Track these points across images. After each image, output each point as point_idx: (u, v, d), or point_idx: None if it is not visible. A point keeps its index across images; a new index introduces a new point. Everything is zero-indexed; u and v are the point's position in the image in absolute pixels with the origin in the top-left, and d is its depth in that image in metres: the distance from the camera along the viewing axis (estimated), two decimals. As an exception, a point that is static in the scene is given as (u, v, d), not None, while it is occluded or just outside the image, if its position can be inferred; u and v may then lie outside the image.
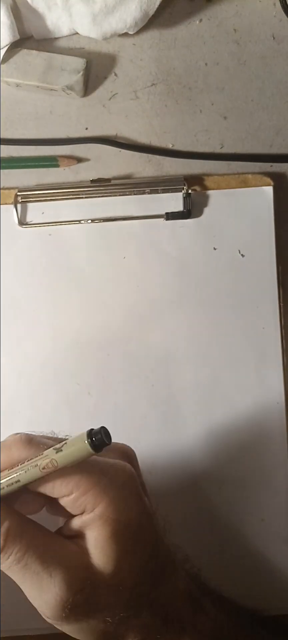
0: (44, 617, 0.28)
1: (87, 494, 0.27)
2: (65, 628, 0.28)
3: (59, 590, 0.26)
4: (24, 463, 0.27)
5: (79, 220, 0.39)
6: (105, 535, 0.27)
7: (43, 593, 0.26)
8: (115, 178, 0.40)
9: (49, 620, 0.28)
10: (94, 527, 0.27)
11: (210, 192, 0.40)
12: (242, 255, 0.39)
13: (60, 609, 0.26)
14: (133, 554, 0.27)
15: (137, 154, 0.40)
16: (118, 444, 0.31)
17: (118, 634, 0.28)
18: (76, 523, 0.28)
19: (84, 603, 0.26)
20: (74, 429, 0.39)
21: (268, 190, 0.39)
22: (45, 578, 0.26)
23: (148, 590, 0.28)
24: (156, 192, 0.39)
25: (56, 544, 0.27)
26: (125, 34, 0.39)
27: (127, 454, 0.31)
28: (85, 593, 0.26)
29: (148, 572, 0.28)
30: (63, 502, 0.27)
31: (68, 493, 0.27)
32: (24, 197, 0.39)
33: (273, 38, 0.40)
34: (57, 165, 0.40)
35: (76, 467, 0.27)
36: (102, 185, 0.39)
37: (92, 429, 0.26)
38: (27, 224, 0.40)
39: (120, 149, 0.40)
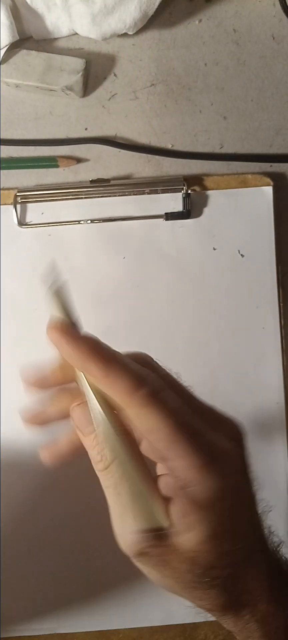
0: (120, 546, 0.28)
1: (192, 469, 0.25)
2: (139, 564, 0.28)
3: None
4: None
5: (79, 221, 0.39)
6: (199, 517, 0.26)
7: (127, 524, 0.27)
8: (114, 178, 0.40)
9: (124, 550, 0.28)
10: (190, 503, 0.26)
11: (209, 192, 0.40)
12: (242, 255, 0.39)
13: (138, 546, 0.27)
14: (220, 540, 0.27)
15: (136, 154, 0.40)
16: (228, 420, 0.30)
17: (185, 591, 0.29)
18: (170, 485, 0.27)
19: (156, 555, 0.27)
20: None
21: (268, 190, 0.39)
22: (136, 510, 0.26)
23: (224, 572, 0.28)
24: (156, 192, 0.39)
25: (151, 484, 0.27)
26: (125, 35, 0.39)
27: (235, 432, 0.30)
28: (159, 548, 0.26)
29: (230, 557, 0.28)
30: (168, 464, 0.27)
31: (174, 459, 0.26)
32: (23, 197, 0.39)
33: (273, 38, 0.40)
34: (56, 166, 0.40)
35: (192, 441, 0.26)
36: (101, 186, 0.39)
37: None
38: (26, 224, 0.40)
39: (119, 149, 0.40)
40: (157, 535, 0.26)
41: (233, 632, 0.30)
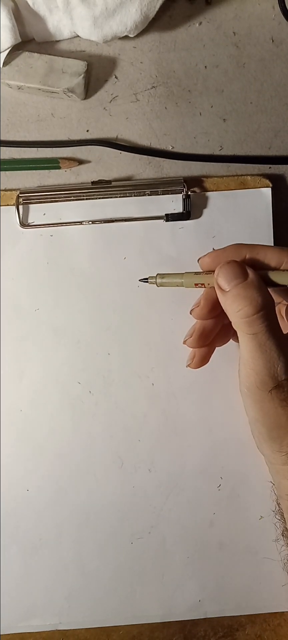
0: (245, 387, 0.31)
1: None
2: (265, 405, 0.31)
3: (276, 365, 0.30)
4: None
5: (80, 222, 0.40)
6: None
7: (260, 361, 0.30)
8: (115, 180, 0.40)
9: (246, 392, 0.31)
10: None
11: (209, 193, 0.40)
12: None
13: (269, 381, 0.30)
14: None
15: (137, 156, 0.40)
16: None
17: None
18: None
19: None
20: (75, 427, 0.40)
21: (267, 191, 0.40)
22: (270, 352, 0.30)
23: None
24: (156, 193, 0.40)
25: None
26: (126, 37, 0.39)
27: None
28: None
29: None
30: None
31: None
32: (25, 198, 0.40)
33: (272, 41, 0.40)
34: (58, 167, 0.40)
35: None
36: (102, 187, 0.40)
37: None
38: (28, 225, 0.40)
39: (120, 151, 0.40)
40: None
41: None
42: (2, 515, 0.40)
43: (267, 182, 0.40)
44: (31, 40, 0.40)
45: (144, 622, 0.40)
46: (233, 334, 0.37)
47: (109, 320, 0.40)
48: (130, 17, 0.38)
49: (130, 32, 0.38)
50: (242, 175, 0.40)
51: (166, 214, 0.40)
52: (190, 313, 0.35)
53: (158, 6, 0.38)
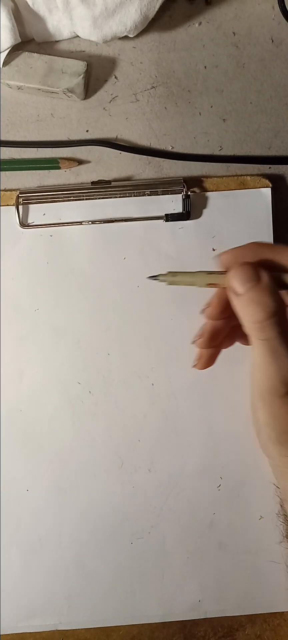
0: (257, 390, 0.32)
1: None
2: (276, 410, 0.31)
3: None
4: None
5: (80, 222, 0.40)
6: None
7: (272, 367, 0.30)
8: (115, 180, 0.40)
9: (258, 396, 0.31)
10: None
11: (209, 193, 0.40)
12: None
13: (280, 387, 0.30)
14: None
15: (137, 156, 0.40)
16: None
17: None
18: None
19: None
20: (74, 427, 0.40)
21: (267, 192, 0.40)
22: (282, 358, 0.30)
23: None
24: (156, 193, 0.40)
25: None
26: (126, 37, 0.39)
27: None
28: None
29: None
30: None
31: None
32: (25, 198, 0.40)
33: (272, 41, 0.40)
34: (58, 167, 0.40)
35: None
36: (102, 187, 0.40)
37: None
38: (28, 225, 0.40)
39: (120, 151, 0.40)
40: None
41: None
42: (2, 515, 0.40)
43: (267, 182, 0.40)
44: (31, 40, 0.40)
45: (144, 622, 0.40)
46: (240, 337, 0.37)
47: (109, 320, 0.40)
48: (129, 17, 0.38)
49: (129, 32, 0.38)
50: (241, 175, 0.40)
51: (166, 214, 0.40)
52: (202, 313, 0.34)
53: (158, 6, 0.38)
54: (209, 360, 0.36)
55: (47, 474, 0.40)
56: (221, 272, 0.33)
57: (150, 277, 0.35)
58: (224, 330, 0.35)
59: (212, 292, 0.34)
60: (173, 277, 0.34)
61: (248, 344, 0.37)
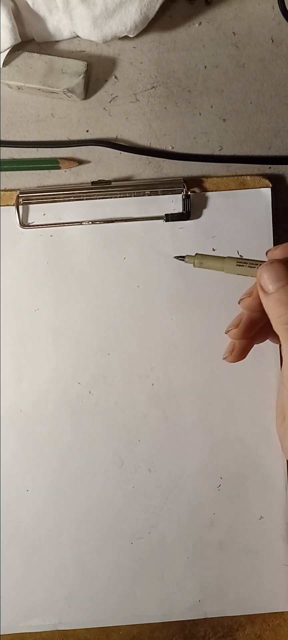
0: (286, 388, 0.32)
1: None
2: None
3: None
4: None
5: (80, 222, 0.40)
6: None
7: None
8: (115, 180, 0.40)
9: (287, 394, 0.31)
10: None
11: (209, 193, 0.40)
12: (241, 256, 0.40)
13: None
14: None
15: (137, 156, 0.40)
16: None
17: None
18: None
19: None
20: (74, 427, 0.40)
21: (267, 192, 0.40)
22: None
23: None
24: (156, 193, 0.40)
25: None
26: (126, 37, 0.39)
27: None
28: None
29: None
30: None
31: None
32: (25, 198, 0.40)
33: (272, 41, 0.40)
34: (58, 167, 0.40)
35: None
36: (102, 187, 0.40)
37: None
38: (28, 225, 0.40)
39: (120, 151, 0.40)
40: None
41: None
42: (2, 515, 0.40)
43: (267, 182, 0.40)
44: (31, 40, 0.40)
45: (144, 622, 0.40)
46: (273, 334, 0.36)
47: (109, 320, 0.40)
48: (129, 17, 0.38)
49: (130, 32, 0.38)
50: (241, 175, 0.40)
51: (166, 214, 0.40)
52: (239, 303, 0.33)
53: (158, 6, 0.38)
54: (242, 353, 0.34)
55: (47, 474, 0.40)
56: (252, 262, 0.32)
57: (176, 257, 0.35)
58: (260, 323, 0.34)
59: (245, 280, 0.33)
60: (201, 260, 0.34)
61: (278, 343, 0.36)
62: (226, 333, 0.34)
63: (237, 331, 0.34)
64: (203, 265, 0.34)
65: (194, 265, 0.34)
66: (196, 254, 0.34)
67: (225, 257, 0.33)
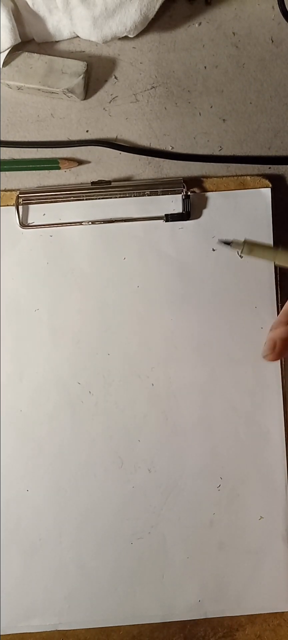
0: None
1: None
2: None
3: None
4: None
5: (80, 222, 0.40)
6: None
7: None
8: (115, 180, 0.40)
9: None
10: None
11: (209, 193, 0.40)
12: (241, 256, 0.40)
13: None
14: None
15: (137, 156, 0.40)
16: None
17: None
18: None
19: None
20: (74, 427, 0.40)
21: (267, 192, 0.40)
22: None
23: None
24: (156, 194, 0.40)
25: None
26: (125, 38, 0.39)
27: None
28: None
29: None
30: None
31: None
32: (25, 198, 0.40)
33: (272, 41, 0.40)
34: (58, 168, 0.40)
35: None
36: (102, 187, 0.40)
37: None
38: (28, 225, 0.40)
39: (120, 152, 0.40)
40: None
41: None
42: (2, 515, 0.40)
43: (267, 182, 0.40)
44: (31, 40, 0.40)
45: (144, 622, 0.40)
46: None
47: (109, 320, 0.40)
48: (129, 17, 0.38)
49: (129, 32, 0.38)
50: (241, 175, 0.40)
51: (166, 214, 0.40)
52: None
53: (158, 6, 0.38)
54: (285, 349, 0.33)
55: (47, 474, 0.40)
56: None
57: (222, 241, 0.32)
58: None
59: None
60: (250, 247, 0.31)
61: None
62: (271, 330, 0.33)
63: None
64: (253, 253, 0.31)
65: (241, 253, 0.31)
66: (245, 240, 0.31)
67: (278, 248, 0.31)
